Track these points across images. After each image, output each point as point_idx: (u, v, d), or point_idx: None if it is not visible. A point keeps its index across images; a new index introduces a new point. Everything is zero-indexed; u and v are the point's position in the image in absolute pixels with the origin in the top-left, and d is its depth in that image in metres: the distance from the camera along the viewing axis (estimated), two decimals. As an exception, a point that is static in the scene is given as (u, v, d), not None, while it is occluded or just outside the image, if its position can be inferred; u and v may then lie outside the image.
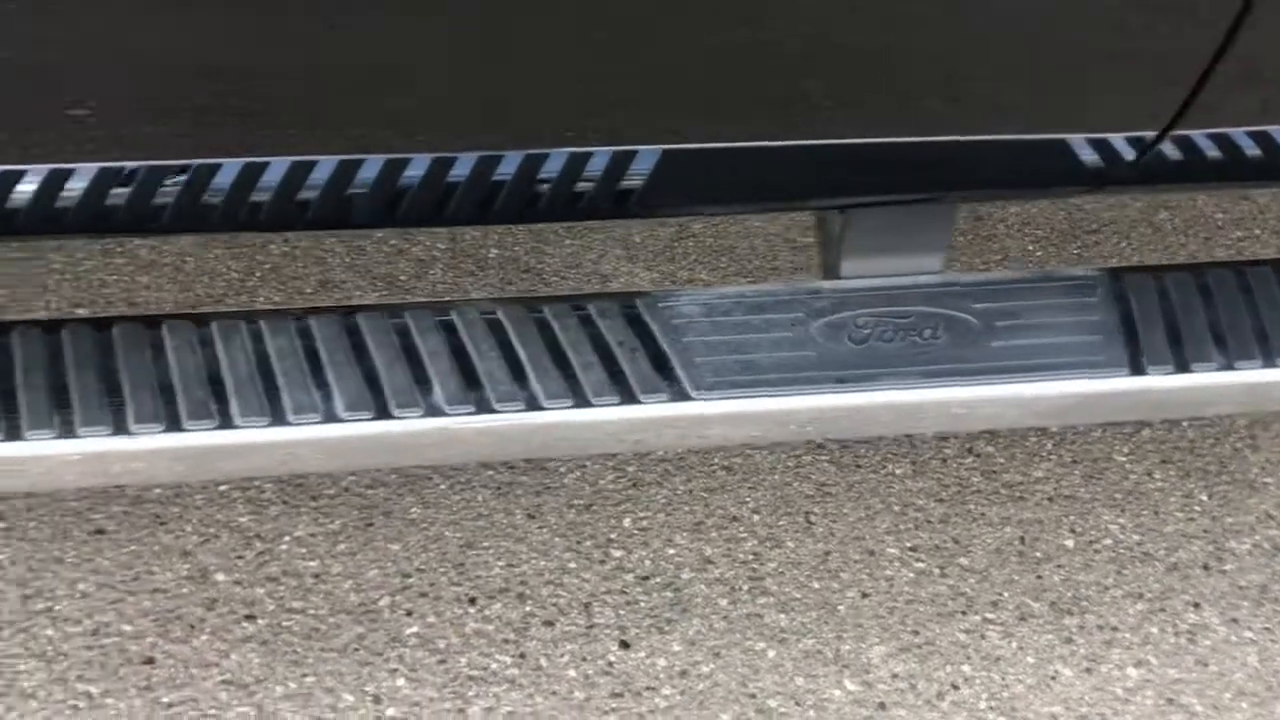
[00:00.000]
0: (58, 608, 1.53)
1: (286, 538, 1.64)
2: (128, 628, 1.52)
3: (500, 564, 1.63)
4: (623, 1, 1.16)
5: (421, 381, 1.15)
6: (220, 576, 1.59)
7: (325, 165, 1.17)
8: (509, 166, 1.19)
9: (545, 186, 1.19)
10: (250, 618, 1.54)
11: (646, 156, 1.21)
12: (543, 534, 1.67)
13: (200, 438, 1.08)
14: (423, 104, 1.21)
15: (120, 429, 1.08)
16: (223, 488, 1.71)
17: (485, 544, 1.65)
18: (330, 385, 1.13)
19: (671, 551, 1.66)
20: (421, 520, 1.68)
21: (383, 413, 1.11)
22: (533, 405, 1.13)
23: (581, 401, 1.13)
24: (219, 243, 2.12)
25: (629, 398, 1.13)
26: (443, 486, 1.73)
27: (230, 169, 1.15)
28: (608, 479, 1.76)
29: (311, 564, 1.61)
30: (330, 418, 1.10)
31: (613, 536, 1.67)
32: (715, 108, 1.21)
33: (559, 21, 1.17)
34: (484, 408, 1.12)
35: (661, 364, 1.17)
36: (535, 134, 1.22)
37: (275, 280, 2.09)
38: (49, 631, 1.51)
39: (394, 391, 1.13)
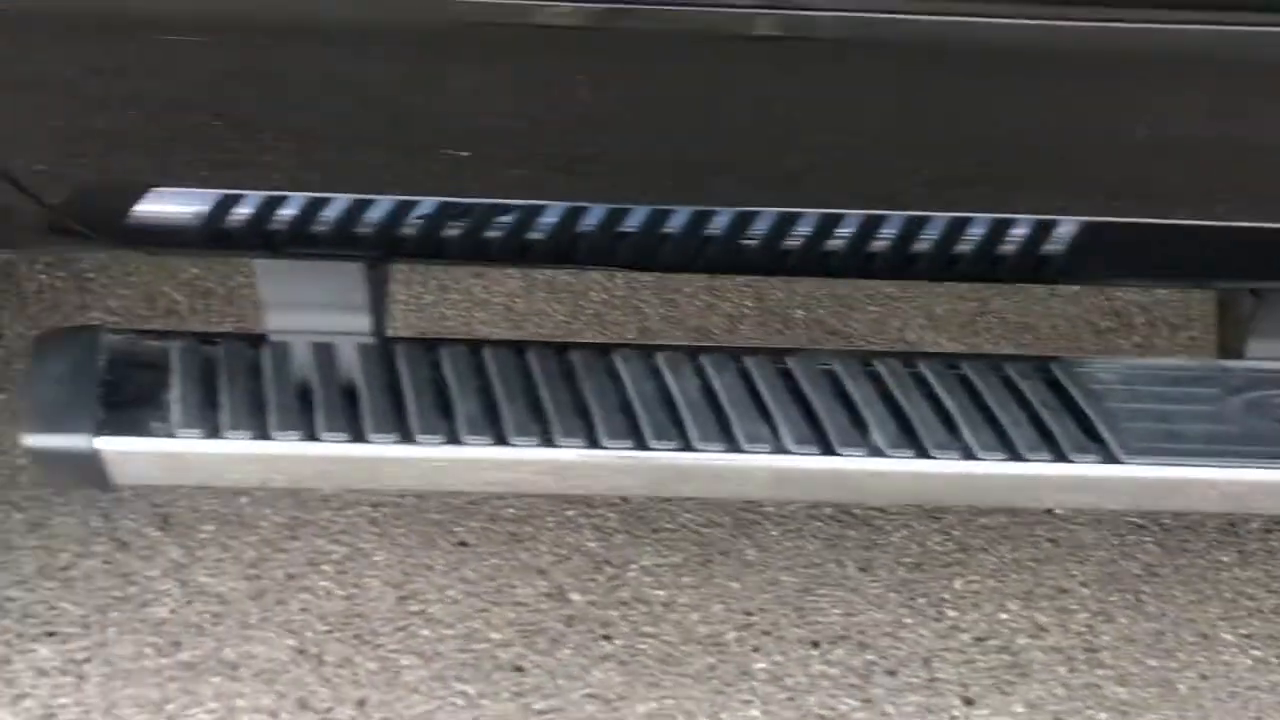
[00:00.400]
0: (430, 610, 1.67)
1: (633, 566, 1.76)
2: (496, 635, 1.65)
3: (838, 611, 1.71)
4: (1061, 92, 1.26)
5: (858, 424, 1.25)
6: (575, 596, 1.71)
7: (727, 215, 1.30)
8: (935, 229, 1.29)
9: (967, 248, 1.30)
10: (607, 638, 1.65)
11: (1066, 226, 1.30)
12: (876, 588, 1.75)
13: (664, 457, 1.20)
14: (859, 175, 1.32)
15: (593, 443, 1.21)
16: (569, 513, 1.84)
17: (821, 591, 1.74)
18: (776, 420, 1.24)
19: (1005, 616, 1.72)
20: (758, 562, 1.77)
21: (828, 449, 1.21)
22: (968, 455, 1.21)
23: (1014, 456, 1.21)
24: (543, 286, 2.28)
25: (1059, 455, 1.21)
26: (774, 532, 1.82)
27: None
28: (934, 540, 1.83)
29: (659, 593, 1.72)
30: (780, 449, 1.21)
31: (945, 597, 1.74)
32: (1147, 187, 1.29)
33: (992, 102, 1.27)
34: (921, 453, 1.21)
35: (1086, 426, 1.24)
36: (960, 200, 1.33)
37: (597, 325, 2.23)
38: (425, 632, 1.65)
39: (836, 431, 1.23)
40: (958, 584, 1.78)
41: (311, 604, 1.68)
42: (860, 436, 1.23)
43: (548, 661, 1.62)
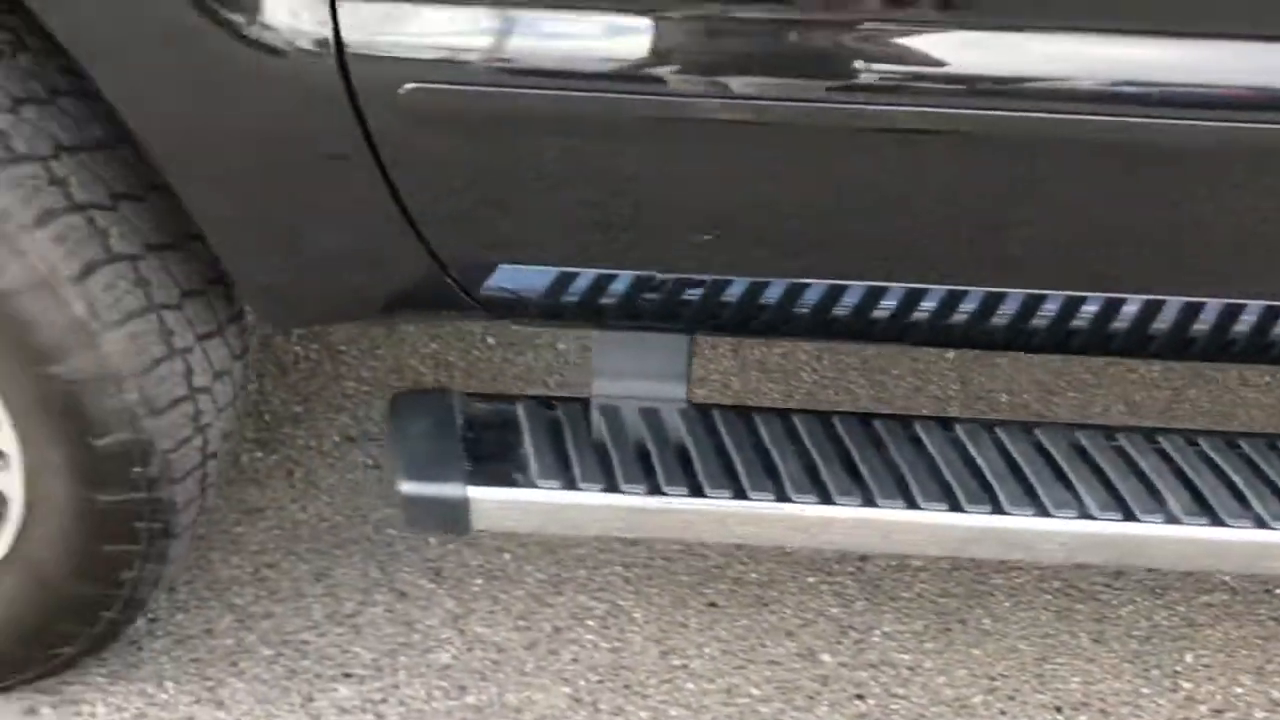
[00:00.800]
0: (691, 665, 1.78)
1: (876, 631, 1.85)
2: (755, 691, 1.74)
3: (1076, 680, 1.79)
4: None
5: (1153, 494, 1.35)
6: (826, 657, 1.80)
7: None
8: (1210, 315, 1.40)
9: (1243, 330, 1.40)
10: (860, 697, 1.74)
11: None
12: (1111, 658, 1.82)
13: (980, 520, 1.31)
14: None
15: (912, 505, 1.32)
16: (810, 579, 1.94)
17: (1059, 660, 1.82)
18: (1077, 488, 1.34)
19: (1239, 690, 1.78)
20: (994, 631, 1.86)
21: (1128, 516, 1.31)
22: (1260, 525, 1.31)
23: (1304, 526, 1.30)
24: (756, 367, 2.40)
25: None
26: (1007, 603, 1.91)
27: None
28: (1161, 615, 1.90)
29: (904, 657, 1.81)
30: (1085, 515, 1.31)
31: (1178, 669, 1.81)
32: None
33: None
34: (1216, 522, 1.31)
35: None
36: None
37: (810, 403, 2.34)
38: (689, 685, 1.75)
39: (1134, 499, 1.33)
40: (1189, 658, 1.85)
41: (581, 655, 1.79)
42: (1157, 505, 1.33)
43: (807, 718, 1.72)
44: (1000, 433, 1.42)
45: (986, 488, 1.37)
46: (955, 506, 1.35)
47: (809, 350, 2.48)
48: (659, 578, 1.95)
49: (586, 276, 1.43)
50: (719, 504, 1.34)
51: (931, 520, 1.33)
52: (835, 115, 1.28)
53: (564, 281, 1.43)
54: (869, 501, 1.34)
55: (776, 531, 1.35)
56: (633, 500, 1.33)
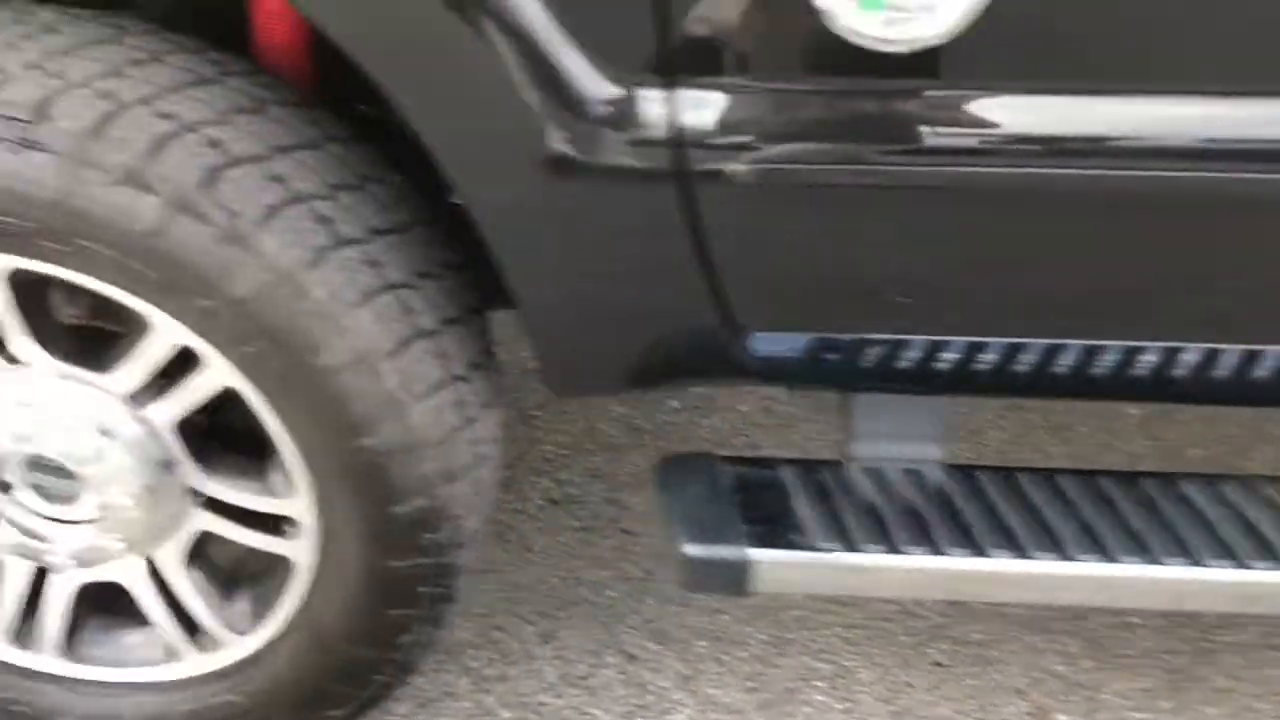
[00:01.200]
0: (924, 726, 1.79)
1: (1105, 689, 1.85)
2: (998, 752, 1.75)
3: (1312, 742, 1.78)
4: None
5: None
6: (1060, 716, 1.80)
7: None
8: None
9: None
10: (1102, 757, 1.74)
11: None
12: (1345, 719, 1.81)
13: (1265, 575, 1.31)
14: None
15: (1196, 562, 1.32)
16: (1029, 638, 1.94)
17: (1296, 720, 1.81)
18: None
19: None
20: (1228, 689, 1.85)
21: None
22: None
23: None
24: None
25: None
26: (1236, 661, 1.90)
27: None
28: (1392, 673, 1.88)
29: (1139, 715, 1.81)
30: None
31: None
32: None
33: None
34: None
35: None
36: None
37: (1001, 460, 2.35)
38: (925, 746, 1.76)
39: None
40: None
41: (814, 716, 1.80)
42: None
43: (1051, 778, 1.72)
44: (1226, 488, 1.43)
45: (1265, 544, 1.38)
46: (1241, 564, 1.36)
47: (993, 408, 2.49)
48: (879, 638, 1.96)
49: (858, 340, 1.46)
50: (1003, 565, 1.35)
51: (1216, 578, 1.34)
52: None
53: (828, 344, 1.47)
54: (1151, 560, 1.36)
55: (1059, 591, 1.36)
56: (916, 561, 1.35)
